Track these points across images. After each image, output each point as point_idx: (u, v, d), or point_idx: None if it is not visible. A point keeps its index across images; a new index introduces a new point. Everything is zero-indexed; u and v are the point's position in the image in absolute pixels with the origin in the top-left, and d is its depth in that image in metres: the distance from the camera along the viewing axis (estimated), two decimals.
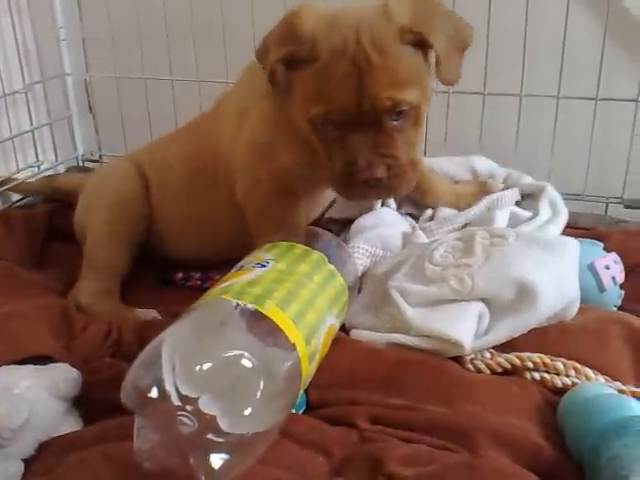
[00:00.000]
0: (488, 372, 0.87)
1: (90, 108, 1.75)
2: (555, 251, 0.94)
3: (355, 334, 0.94)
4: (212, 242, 1.16)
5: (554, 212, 1.12)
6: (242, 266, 0.87)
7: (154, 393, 0.65)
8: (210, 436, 0.65)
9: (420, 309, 0.92)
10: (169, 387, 0.65)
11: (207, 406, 0.64)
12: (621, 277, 1.01)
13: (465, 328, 0.89)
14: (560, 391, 0.83)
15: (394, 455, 0.73)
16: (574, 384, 0.83)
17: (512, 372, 0.87)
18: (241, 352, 0.68)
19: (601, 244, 1.05)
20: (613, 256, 1.02)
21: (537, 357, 0.86)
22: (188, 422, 0.64)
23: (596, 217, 1.30)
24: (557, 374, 0.85)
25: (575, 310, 0.93)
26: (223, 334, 0.73)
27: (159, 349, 0.69)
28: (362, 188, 0.90)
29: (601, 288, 0.99)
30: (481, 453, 0.74)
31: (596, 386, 0.80)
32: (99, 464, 0.71)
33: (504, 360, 0.87)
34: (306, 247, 0.92)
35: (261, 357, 0.69)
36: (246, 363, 0.68)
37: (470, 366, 0.88)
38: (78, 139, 1.76)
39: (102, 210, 1.20)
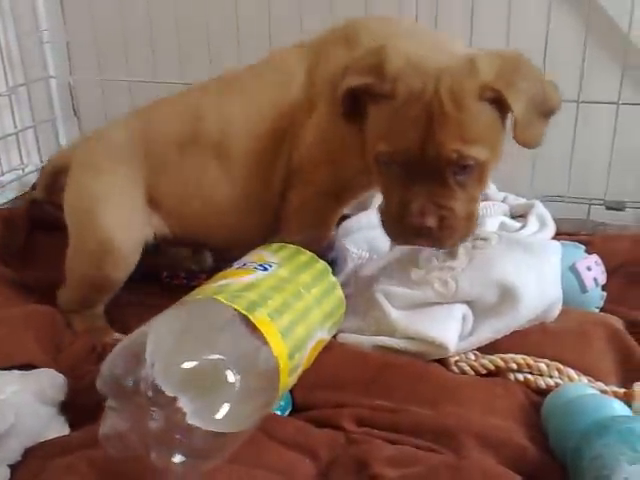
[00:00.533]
0: (472, 374, 0.88)
1: (74, 111, 1.74)
2: (537, 254, 0.95)
3: (342, 338, 0.94)
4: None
5: (542, 225, 1.13)
6: (244, 264, 0.86)
7: (129, 383, 0.66)
8: (177, 436, 0.65)
9: (405, 312, 0.93)
10: (145, 381, 0.65)
11: (179, 406, 0.64)
12: (603, 278, 1.02)
13: (449, 330, 0.90)
14: (543, 392, 0.84)
15: (379, 457, 0.73)
16: (557, 385, 0.84)
17: (496, 373, 0.88)
18: (222, 358, 0.68)
19: (583, 247, 1.06)
20: (594, 257, 1.03)
21: (521, 358, 0.87)
22: (157, 418, 0.65)
23: (578, 222, 1.31)
24: (540, 375, 0.86)
25: (557, 312, 0.95)
26: (208, 336, 0.72)
27: (142, 340, 0.69)
28: (410, 234, 0.88)
29: (583, 289, 1.00)
30: (466, 454, 0.74)
31: (578, 387, 0.81)
32: (85, 469, 0.71)
33: (488, 362, 0.88)
34: (312, 255, 0.91)
35: (241, 365, 0.69)
36: (225, 370, 0.68)
37: (454, 368, 0.89)
38: (63, 142, 1.75)
39: (83, 248, 1.07)
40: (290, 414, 0.85)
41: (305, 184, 1.03)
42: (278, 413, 0.83)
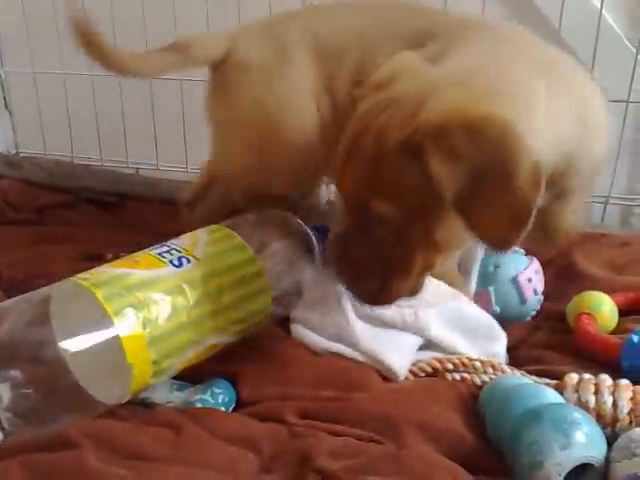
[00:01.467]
0: (412, 378, 0.88)
1: (6, 105, 1.69)
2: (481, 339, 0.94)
3: (296, 331, 0.92)
4: None
5: None
6: (168, 250, 0.85)
7: None
8: None
9: (365, 324, 0.90)
10: None
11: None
12: (541, 286, 1.02)
13: (403, 360, 0.88)
14: (480, 388, 0.84)
15: (322, 449, 0.73)
16: (492, 380, 0.85)
17: (434, 375, 0.88)
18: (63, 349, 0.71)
19: (522, 251, 1.03)
20: (535, 266, 1.01)
21: (456, 358, 0.88)
22: None
23: None
24: (476, 372, 0.87)
25: None
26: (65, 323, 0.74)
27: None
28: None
29: (523, 300, 0.99)
30: (407, 443, 0.75)
31: (514, 377, 0.84)
32: (20, 475, 0.69)
33: (425, 364, 0.88)
34: (251, 254, 0.89)
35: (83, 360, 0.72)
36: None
37: None
38: None
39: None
40: (234, 409, 0.84)
41: None
42: (222, 409, 0.82)
